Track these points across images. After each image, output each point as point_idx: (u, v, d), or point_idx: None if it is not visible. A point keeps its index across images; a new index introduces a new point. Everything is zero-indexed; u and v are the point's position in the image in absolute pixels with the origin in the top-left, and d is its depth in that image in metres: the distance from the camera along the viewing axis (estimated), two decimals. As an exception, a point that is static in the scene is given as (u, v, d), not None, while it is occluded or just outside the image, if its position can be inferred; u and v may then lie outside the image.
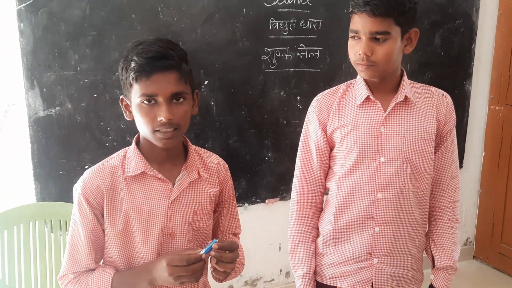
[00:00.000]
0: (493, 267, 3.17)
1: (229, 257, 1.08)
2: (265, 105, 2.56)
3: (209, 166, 1.25)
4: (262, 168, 2.66)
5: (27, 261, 1.95)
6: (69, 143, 2.18)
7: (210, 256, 1.09)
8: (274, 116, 2.60)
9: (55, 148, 2.15)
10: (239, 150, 2.57)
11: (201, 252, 1.06)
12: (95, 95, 2.18)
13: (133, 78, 1.08)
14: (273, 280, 2.84)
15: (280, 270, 2.83)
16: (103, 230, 1.16)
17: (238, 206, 2.66)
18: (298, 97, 2.61)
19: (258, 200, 2.69)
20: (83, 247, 1.15)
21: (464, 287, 2.89)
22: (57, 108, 2.13)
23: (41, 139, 2.13)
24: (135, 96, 1.10)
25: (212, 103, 2.43)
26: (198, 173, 1.20)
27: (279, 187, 2.70)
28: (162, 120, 1.07)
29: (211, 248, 1.06)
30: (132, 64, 1.08)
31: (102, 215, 1.14)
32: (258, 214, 2.71)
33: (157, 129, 1.08)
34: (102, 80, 2.17)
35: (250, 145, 2.60)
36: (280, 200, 2.71)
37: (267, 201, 2.71)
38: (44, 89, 2.09)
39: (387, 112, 1.32)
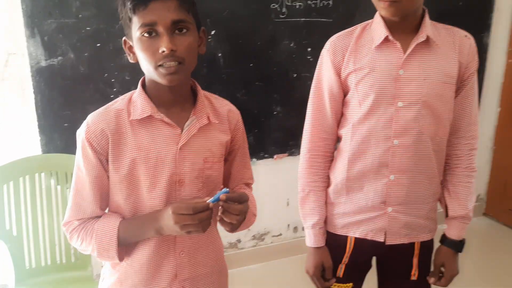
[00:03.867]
0: (503, 223, 3.15)
1: (236, 209, 1.02)
2: (274, 57, 2.48)
3: (220, 112, 1.19)
4: (270, 123, 2.60)
5: (34, 213, 1.94)
6: (73, 95, 2.12)
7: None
8: (283, 69, 2.53)
9: (59, 100, 2.10)
10: (247, 104, 2.51)
11: (209, 201, 1.02)
12: (98, 45, 2.11)
13: (130, 9, 1.01)
14: (280, 234, 2.84)
15: (288, 225, 2.82)
16: (108, 177, 1.10)
17: (246, 161, 2.63)
18: (309, 49, 2.52)
19: (266, 155, 2.66)
20: (87, 193, 1.10)
21: (474, 244, 2.85)
22: (59, 57, 2.06)
23: (44, 90, 2.08)
24: (135, 30, 1.02)
25: (219, 55, 2.35)
26: (208, 118, 1.14)
27: (288, 143, 2.65)
28: (164, 51, 0.99)
29: (219, 198, 1.01)
30: None
31: (107, 160, 1.08)
32: (266, 169, 2.68)
33: (160, 63, 1.01)
34: (105, 28, 2.09)
35: (258, 99, 2.54)
36: (288, 155, 2.67)
37: (275, 156, 2.67)
38: (45, 38, 2.02)
39: (407, 54, 1.24)
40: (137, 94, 1.10)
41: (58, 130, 2.13)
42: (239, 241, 2.73)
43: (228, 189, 1.03)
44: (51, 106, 2.10)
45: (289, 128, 2.62)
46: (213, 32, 2.30)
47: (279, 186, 2.74)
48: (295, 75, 2.55)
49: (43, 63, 2.04)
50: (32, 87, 2.06)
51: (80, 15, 2.05)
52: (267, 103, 2.57)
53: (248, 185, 1.31)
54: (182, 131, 1.10)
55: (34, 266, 1.93)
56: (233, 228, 1.06)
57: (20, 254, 1.91)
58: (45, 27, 2.01)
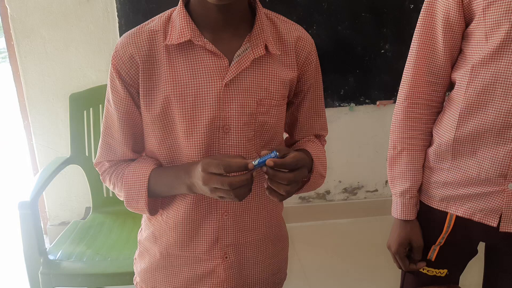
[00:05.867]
0: None
1: (285, 178, 0.79)
2: (387, -17, 2.08)
3: (286, 39, 0.91)
4: (376, 63, 2.25)
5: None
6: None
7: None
8: (398, -3, 2.12)
9: (142, 24, 1.98)
10: (350, 39, 2.18)
11: (253, 163, 0.78)
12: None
13: None
14: (376, 190, 2.54)
15: (386, 181, 2.50)
16: (141, 114, 0.92)
17: (343, 106, 2.33)
18: (433, -26, 2.05)
19: (367, 101, 2.33)
20: (117, 132, 0.93)
21: None
22: (143, -22, 1.91)
23: (129, 13, 1.96)
24: None
25: (321, -22, 2.02)
26: (266, 47, 0.87)
27: (395, 88, 2.28)
28: None
29: (265, 162, 0.77)
30: None
31: (138, 93, 0.89)
32: (366, 117, 2.37)
33: None
34: None
35: (364, 34, 2.19)
36: (394, 102, 2.31)
37: (378, 102, 2.33)
38: (129, -45, 1.87)
39: None
40: (177, 12, 0.87)
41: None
42: (328, 192, 2.49)
43: (277, 153, 0.78)
44: (135, 32, 1.99)
45: (399, 71, 2.20)
46: (314, -49, 1.96)
47: (379, 137, 2.41)
48: (412, 6, 2.13)
49: (127, -16, 1.91)
50: (116, 10, 1.95)
51: None
52: (374, 39, 2.21)
53: (319, 137, 1.04)
54: (230, 62, 0.86)
55: (110, 195, 1.92)
56: (281, 199, 0.82)
57: (98, 182, 1.90)
58: None
